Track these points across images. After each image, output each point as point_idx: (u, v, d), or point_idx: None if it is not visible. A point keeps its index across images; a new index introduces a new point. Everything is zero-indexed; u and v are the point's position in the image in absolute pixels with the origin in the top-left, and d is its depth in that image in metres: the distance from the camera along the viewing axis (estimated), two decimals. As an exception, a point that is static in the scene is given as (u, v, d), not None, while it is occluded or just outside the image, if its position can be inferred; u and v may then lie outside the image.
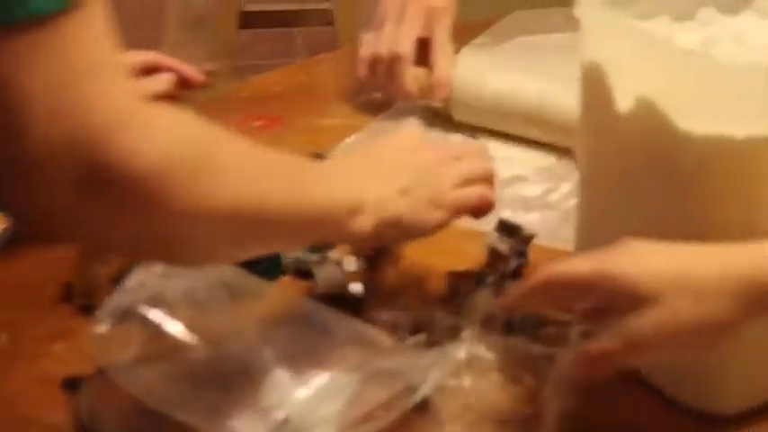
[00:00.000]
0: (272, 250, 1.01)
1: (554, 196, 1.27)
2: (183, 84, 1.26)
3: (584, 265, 0.87)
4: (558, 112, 1.34)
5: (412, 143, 1.04)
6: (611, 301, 0.85)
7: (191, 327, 0.93)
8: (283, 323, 0.96)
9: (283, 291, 1.01)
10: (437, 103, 1.46)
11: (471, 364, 0.98)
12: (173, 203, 0.77)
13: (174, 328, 0.93)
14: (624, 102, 0.96)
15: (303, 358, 0.92)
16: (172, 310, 0.94)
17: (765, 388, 0.98)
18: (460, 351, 0.95)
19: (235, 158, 0.84)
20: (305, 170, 0.94)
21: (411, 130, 1.07)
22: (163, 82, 1.24)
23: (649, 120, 0.93)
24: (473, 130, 1.44)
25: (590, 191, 1.06)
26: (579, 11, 0.99)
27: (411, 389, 0.91)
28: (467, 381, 0.96)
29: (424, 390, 0.91)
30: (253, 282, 0.99)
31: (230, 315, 0.95)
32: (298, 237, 0.94)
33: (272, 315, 0.97)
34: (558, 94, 1.35)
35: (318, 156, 1.33)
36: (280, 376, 0.90)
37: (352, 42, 1.59)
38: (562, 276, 0.88)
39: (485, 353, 1.00)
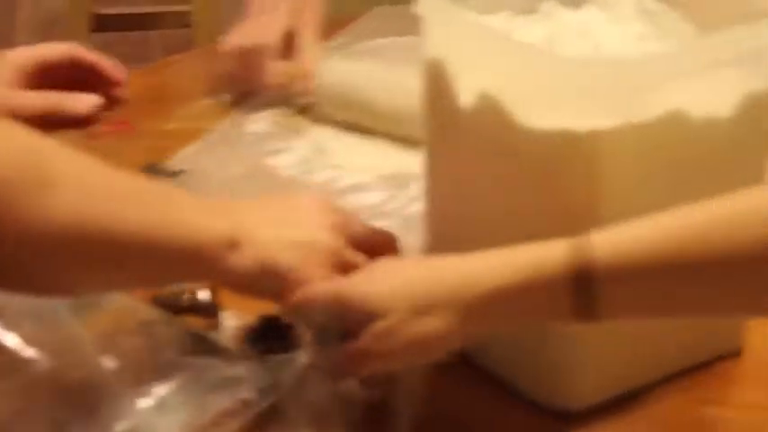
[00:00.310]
0: (144, 284, 0.95)
1: (394, 204, 1.26)
2: (110, 98, 1.15)
3: (326, 286, 0.90)
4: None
5: (321, 209, 0.96)
6: (351, 317, 0.88)
7: (29, 340, 0.90)
8: (125, 333, 0.94)
9: (127, 300, 0.99)
10: (302, 96, 1.48)
11: (320, 368, 0.97)
12: None
13: (12, 341, 0.90)
14: (466, 98, 0.96)
15: (146, 368, 0.90)
16: (9, 324, 0.91)
17: (612, 384, 0.99)
18: (307, 356, 0.94)
19: (74, 176, 0.79)
20: (177, 195, 0.89)
21: (324, 199, 1.00)
22: (85, 104, 1.11)
23: (492, 116, 0.93)
24: (336, 124, 1.46)
25: (436, 189, 1.06)
26: (420, 7, 0.98)
27: (257, 395, 0.89)
28: (315, 385, 0.95)
29: (270, 396, 0.89)
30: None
31: (71, 327, 0.92)
32: (168, 270, 0.87)
33: (114, 326, 0.94)
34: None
35: (152, 167, 1.31)
36: (121, 388, 0.88)
37: (209, 44, 1.59)
38: (309, 298, 0.90)
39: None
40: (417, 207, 1.21)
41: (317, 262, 0.91)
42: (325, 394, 0.93)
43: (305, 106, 1.48)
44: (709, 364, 1.02)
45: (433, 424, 0.96)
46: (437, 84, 0.99)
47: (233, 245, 0.87)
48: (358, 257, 0.94)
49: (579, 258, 0.83)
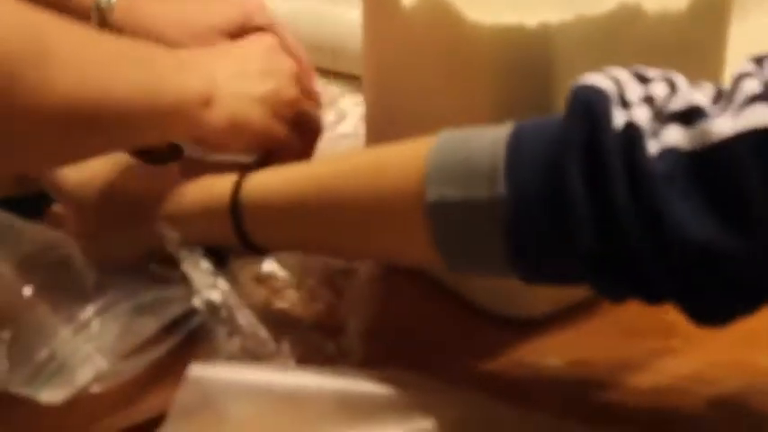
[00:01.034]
0: (116, 148, 0.93)
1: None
2: None
3: None
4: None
5: (277, 53, 1.00)
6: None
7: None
8: (45, 260, 0.89)
9: (46, 228, 0.94)
10: None
11: (264, 282, 0.94)
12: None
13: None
14: (409, -4, 0.91)
15: (68, 294, 0.86)
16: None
17: (571, 291, 0.94)
18: (240, 272, 0.90)
19: (71, 46, 0.78)
20: (157, 56, 0.88)
21: (271, 39, 1.01)
22: None
23: (437, 13, 0.88)
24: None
25: (377, 94, 1.02)
26: None
27: (186, 316, 0.85)
28: (259, 300, 0.91)
29: (199, 316, 0.85)
30: (13, 221, 0.91)
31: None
32: (149, 129, 0.87)
33: (33, 253, 0.90)
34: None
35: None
36: (42, 313, 0.84)
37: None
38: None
39: (278, 271, 0.96)
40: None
41: (282, 115, 0.95)
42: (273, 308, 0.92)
43: None
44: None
45: (386, 337, 0.93)
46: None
47: (207, 102, 0.88)
48: (312, 109, 0.99)
49: (235, 191, 0.86)
